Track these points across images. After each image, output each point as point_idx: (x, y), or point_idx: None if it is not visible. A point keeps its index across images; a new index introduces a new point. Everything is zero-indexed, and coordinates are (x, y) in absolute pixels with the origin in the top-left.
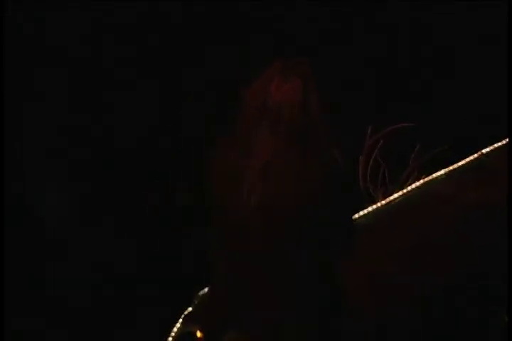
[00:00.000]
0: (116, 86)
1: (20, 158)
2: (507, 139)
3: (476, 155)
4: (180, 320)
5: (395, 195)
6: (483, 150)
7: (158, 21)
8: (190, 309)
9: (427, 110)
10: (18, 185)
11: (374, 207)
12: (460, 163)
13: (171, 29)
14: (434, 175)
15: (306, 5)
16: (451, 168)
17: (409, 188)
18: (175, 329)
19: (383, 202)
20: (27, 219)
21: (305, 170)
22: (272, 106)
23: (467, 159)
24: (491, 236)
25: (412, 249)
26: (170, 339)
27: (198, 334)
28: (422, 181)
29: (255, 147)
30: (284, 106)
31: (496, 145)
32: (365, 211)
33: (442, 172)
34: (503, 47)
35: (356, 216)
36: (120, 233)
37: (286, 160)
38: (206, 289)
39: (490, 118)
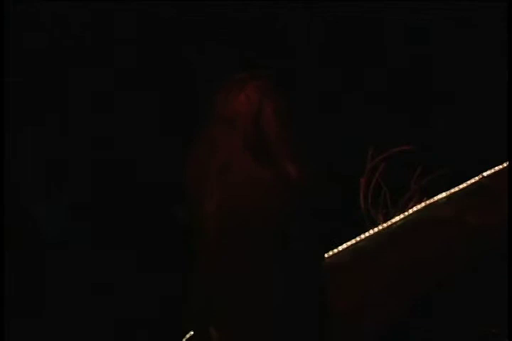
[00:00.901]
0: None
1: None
2: (507, 162)
3: (476, 178)
4: None
5: (397, 218)
6: (484, 173)
7: (153, 26)
8: (191, 333)
9: (428, 130)
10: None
11: (375, 229)
12: (461, 186)
13: (166, 35)
14: (436, 198)
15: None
16: (452, 190)
17: (410, 211)
18: None
19: (384, 224)
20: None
21: (258, 177)
22: (228, 116)
23: (468, 182)
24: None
25: (410, 268)
26: None
27: None
28: (423, 204)
29: (217, 150)
30: (238, 117)
31: (496, 168)
32: (367, 234)
33: (443, 195)
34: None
35: (358, 239)
36: (120, 245)
37: (240, 165)
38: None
39: (490, 141)
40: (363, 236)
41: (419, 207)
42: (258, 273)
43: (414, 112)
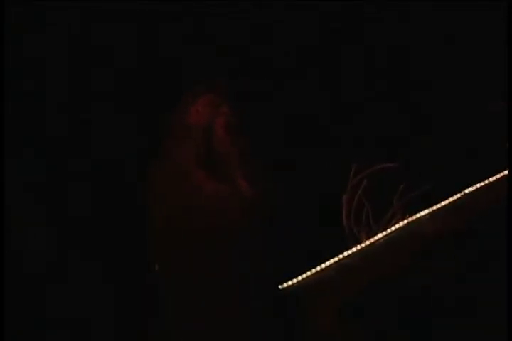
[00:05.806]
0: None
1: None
2: (490, 179)
3: (459, 195)
4: None
5: (379, 235)
6: (466, 190)
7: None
8: None
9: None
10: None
11: (358, 247)
12: (443, 203)
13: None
14: (418, 215)
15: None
16: (434, 207)
17: (393, 228)
18: None
19: (367, 242)
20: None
21: (210, 191)
22: (180, 129)
23: (451, 199)
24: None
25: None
26: None
27: None
28: (405, 221)
29: (171, 164)
30: (189, 131)
31: (478, 185)
32: (349, 251)
33: (426, 212)
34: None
35: (340, 256)
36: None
37: (192, 179)
38: None
39: (472, 158)
40: (345, 253)
41: (401, 224)
42: (212, 288)
43: (396, 128)
